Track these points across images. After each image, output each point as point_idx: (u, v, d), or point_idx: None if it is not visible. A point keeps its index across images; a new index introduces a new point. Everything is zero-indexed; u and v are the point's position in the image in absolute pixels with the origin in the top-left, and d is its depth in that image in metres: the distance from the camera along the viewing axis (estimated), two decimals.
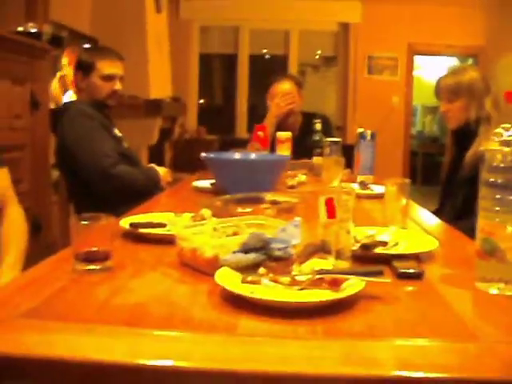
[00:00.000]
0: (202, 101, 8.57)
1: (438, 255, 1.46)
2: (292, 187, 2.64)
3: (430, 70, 10.15)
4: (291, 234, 1.24)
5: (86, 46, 5.36)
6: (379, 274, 1.12)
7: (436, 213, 2.44)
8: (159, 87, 6.46)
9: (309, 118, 3.79)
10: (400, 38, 7.91)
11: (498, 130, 1.17)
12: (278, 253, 1.17)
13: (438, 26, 7.79)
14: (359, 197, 2.31)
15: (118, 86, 3.06)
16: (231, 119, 8.42)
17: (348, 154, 2.86)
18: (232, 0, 7.94)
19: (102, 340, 0.91)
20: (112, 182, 2.81)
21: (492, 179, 1.15)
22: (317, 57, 8.70)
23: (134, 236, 1.57)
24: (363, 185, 2.60)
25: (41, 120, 3.50)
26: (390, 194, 1.73)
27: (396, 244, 1.43)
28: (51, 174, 3.62)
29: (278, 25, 8.16)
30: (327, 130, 3.43)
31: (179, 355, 0.86)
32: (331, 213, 1.26)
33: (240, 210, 1.69)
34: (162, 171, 3.15)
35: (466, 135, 2.79)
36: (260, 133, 3.20)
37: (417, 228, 1.88)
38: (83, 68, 3.06)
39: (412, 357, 0.86)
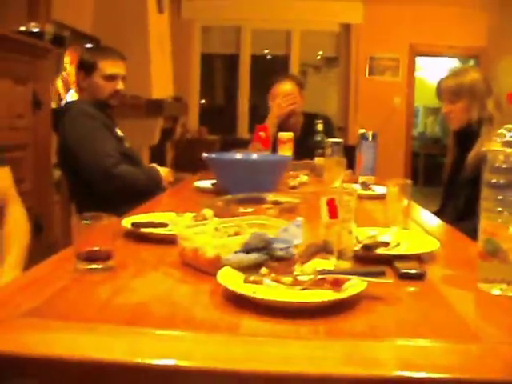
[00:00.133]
0: (203, 101, 8.57)
1: (440, 256, 1.46)
2: (294, 188, 2.64)
3: (432, 71, 10.15)
4: (293, 234, 1.24)
5: (88, 45, 5.37)
6: (381, 274, 1.11)
7: (437, 214, 2.44)
8: (161, 87, 6.46)
9: (310, 118, 3.79)
10: (402, 38, 7.91)
11: (501, 130, 1.17)
12: (279, 253, 1.17)
13: (439, 26, 7.78)
14: (361, 197, 2.31)
15: (120, 85, 3.06)
16: (232, 119, 8.42)
17: (349, 154, 2.86)
18: (233, 0, 7.94)
19: (103, 339, 0.91)
20: (114, 182, 2.81)
21: (494, 180, 1.15)
22: (318, 57, 8.69)
23: (136, 236, 1.57)
24: (365, 185, 2.60)
25: (43, 120, 3.51)
26: (392, 195, 1.72)
27: (398, 245, 1.43)
28: (53, 174, 3.62)
29: (280, 25, 8.16)
30: (329, 131, 3.43)
31: (181, 354, 0.86)
32: (333, 213, 1.25)
33: (241, 210, 1.69)
34: (163, 171, 3.15)
35: (467, 136, 2.79)
36: (261, 133, 3.20)
37: (418, 229, 1.88)
38: (85, 68, 3.06)
39: (414, 357, 0.86)
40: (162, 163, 3.46)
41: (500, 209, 1.15)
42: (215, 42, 8.50)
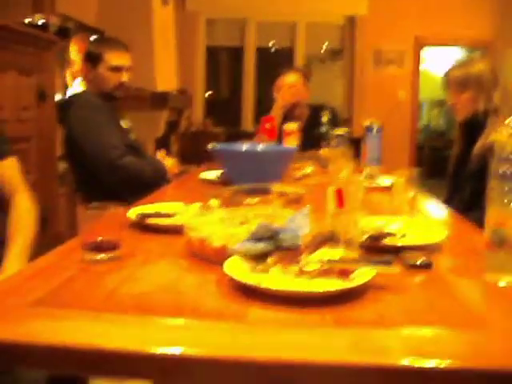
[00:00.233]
0: (208, 93, 8.56)
1: (447, 246, 1.45)
2: (299, 179, 2.64)
3: (437, 63, 10.10)
4: (300, 224, 1.23)
5: (94, 37, 5.37)
6: (388, 264, 1.11)
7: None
8: (165, 80, 6.45)
9: (316, 110, 3.79)
10: (407, 30, 7.87)
11: (508, 120, 1.16)
12: (286, 242, 1.17)
13: (445, 18, 7.75)
14: (366, 188, 2.30)
15: (125, 77, 3.05)
16: (237, 112, 8.41)
17: (354, 146, 2.86)
18: None
19: (110, 328, 0.92)
20: (119, 173, 2.81)
21: (502, 170, 1.15)
22: (323, 49, 8.67)
23: (142, 226, 1.57)
24: (370, 176, 2.59)
25: (47, 112, 3.51)
26: (399, 185, 1.72)
27: (404, 235, 1.43)
28: (58, 166, 3.63)
29: (285, 17, 8.13)
30: (334, 122, 3.42)
31: (188, 343, 0.86)
32: (340, 202, 1.25)
33: (247, 200, 1.69)
34: (169, 162, 3.16)
35: (474, 127, 2.78)
36: (267, 124, 3.20)
37: (425, 219, 1.88)
38: (91, 59, 3.06)
39: (421, 345, 0.86)
40: (168, 154, 3.46)
41: (507, 199, 1.14)
42: (220, 34, 8.47)
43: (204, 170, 2.77)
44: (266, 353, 0.83)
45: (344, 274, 1.09)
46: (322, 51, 8.64)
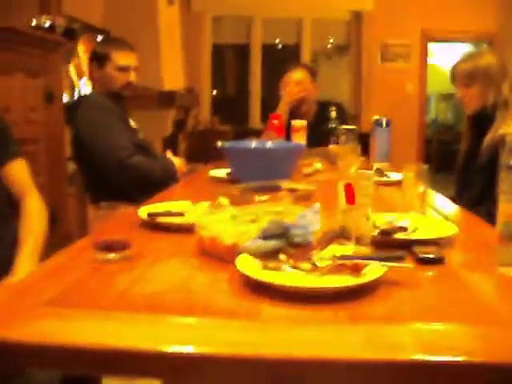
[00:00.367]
0: (215, 91, 8.56)
1: (458, 240, 1.45)
2: (308, 175, 2.63)
3: (444, 57, 10.08)
4: (310, 221, 1.23)
5: (100, 37, 5.38)
6: (400, 259, 1.11)
7: (453, 200, 2.42)
8: (172, 78, 6.46)
9: (323, 106, 3.79)
10: (413, 24, 7.85)
11: None
12: (297, 239, 1.17)
13: (451, 11, 7.72)
14: (376, 184, 2.30)
15: (132, 76, 3.06)
16: (244, 109, 8.41)
17: (363, 142, 2.85)
18: None
19: (122, 327, 0.91)
20: (128, 173, 2.82)
21: None
22: (329, 45, 8.65)
23: (152, 225, 1.57)
24: (379, 172, 2.58)
25: (55, 113, 3.52)
26: (409, 180, 1.71)
27: (415, 230, 1.42)
28: (67, 167, 3.64)
29: (291, 14, 8.12)
30: (342, 118, 3.42)
31: (200, 341, 0.86)
32: (351, 198, 1.25)
33: (257, 198, 1.69)
34: (177, 162, 3.16)
35: (482, 120, 2.77)
36: (275, 121, 3.20)
37: (435, 214, 1.87)
38: (98, 59, 3.06)
39: (435, 341, 0.86)
40: (175, 154, 3.46)
41: None
42: (226, 32, 8.47)
43: (212, 169, 2.77)
44: (278, 350, 0.82)
45: (356, 269, 1.08)
46: (328, 47, 8.62)
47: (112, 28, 5.73)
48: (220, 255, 1.23)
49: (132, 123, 3.14)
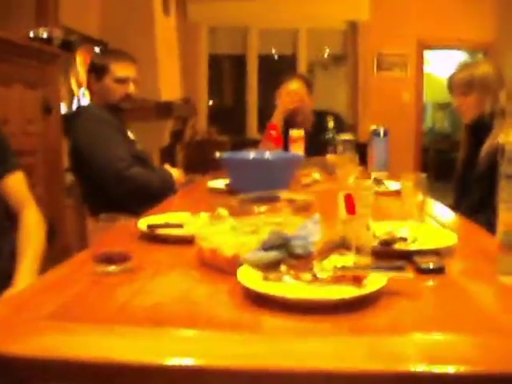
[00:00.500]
0: (211, 102, 8.57)
1: (458, 249, 1.45)
2: (307, 185, 2.63)
3: (440, 65, 10.11)
4: (311, 231, 1.23)
5: (97, 48, 5.39)
6: (401, 269, 1.11)
7: (451, 209, 2.42)
8: (169, 89, 6.47)
9: (320, 116, 3.79)
10: (409, 33, 7.87)
11: None
12: (298, 250, 1.17)
13: (447, 20, 7.74)
14: (375, 193, 2.30)
15: (131, 88, 3.05)
16: (241, 120, 8.42)
17: (360, 151, 2.86)
18: (239, 1, 7.92)
19: (124, 340, 0.91)
20: (126, 185, 2.81)
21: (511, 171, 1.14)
22: (326, 55, 8.67)
23: (151, 237, 1.57)
24: (378, 181, 2.59)
25: (53, 124, 3.52)
26: (407, 189, 1.71)
27: (415, 240, 1.42)
28: (64, 179, 3.63)
29: (286, 24, 8.14)
30: (340, 128, 3.42)
31: (202, 354, 0.86)
32: (351, 209, 1.25)
33: (256, 209, 1.69)
34: (175, 173, 3.16)
35: (480, 129, 2.77)
36: (272, 132, 3.20)
37: (434, 222, 1.87)
38: (96, 71, 3.06)
39: (438, 352, 0.86)
40: (173, 165, 3.47)
41: None
42: (222, 42, 8.49)
43: (210, 179, 2.77)
44: (281, 362, 0.82)
45: (357, 280, 1.08)
46: (324, 57, 8.64)
47: (109, 39, 5.74)
48: (220, 267, 1.23)
49: (130, 135, 3.13)
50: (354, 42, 8.06)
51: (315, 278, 1.09)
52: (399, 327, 0.96)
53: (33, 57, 3.38)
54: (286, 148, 3.28)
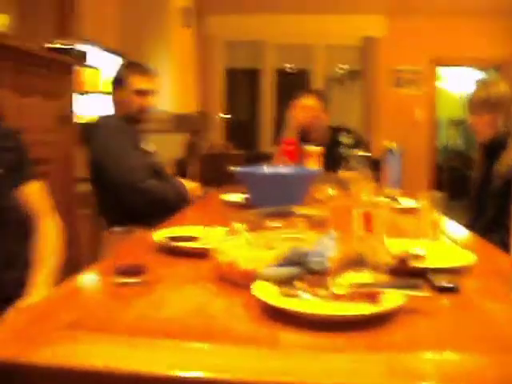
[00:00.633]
0: (226, 116, 8.59)
1: (473, 268, 1.45)
2: (321, 201, 2.63)
3: (454, 82, 10.09)
4: (327, 247, 1.23)
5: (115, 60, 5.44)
6: (417, 287, 1.11)
7: (467, 227, 2.41)
8: (185, 102, 6.51)
9: (334, 131, 3.80)
10: (424, 50, 7.88)
11: None
12: (315, 266, 1.17)
13: (462, 38, 7.75)
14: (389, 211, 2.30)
15: (150, 100, 3.08)
16: (255, 134, 8.43)
17: (373, 168, 2.85)
18: (257, 15, 7.96)
19: (140, 352, 0.92)
20: (142, 197, 2.83)
21: None
22: (341, 71, 8.67)
23: (167, 249, 1.58)
24: (392, 199, 2.58)
25: (68, 134, 3.55)
26: (423, 207, 1.71)
27: (431, 257, 1.43)
28: (78, 188, 3.65)
29: (303, 39, 8.17)
30: (358, 145, 3.42)
31: (218, 368, 0.86)
32: (368, 226, 1.25)
33: (271, 223, 1.69)
34: (192, 185, 3.17)
35: (495, 148, 2.77)
36: (288, 146, 3.21)
37: (449, 241, 1.87)
38: (116, 82, 3.09)
39: (454, 370, 0.86)
40: (184, 177, 3.48)
41: None
42: (239, 56, 8.53)
43: (224, 193, 2.78)
44: (297, 378, 0.83)
45: (372, 297, 1.09)
46: (340, 72, 8.65)
47: (127, 51, 5.78)
48: (237, 281, 1.24)
49: (148, 146, 3.15)
50: (370, 58, 8.06)
51: (332, 295, 1.10)
52: (415, 345, 0.96)
53: (51, 67, 3.42)
54: (299, 163, 3.28)
